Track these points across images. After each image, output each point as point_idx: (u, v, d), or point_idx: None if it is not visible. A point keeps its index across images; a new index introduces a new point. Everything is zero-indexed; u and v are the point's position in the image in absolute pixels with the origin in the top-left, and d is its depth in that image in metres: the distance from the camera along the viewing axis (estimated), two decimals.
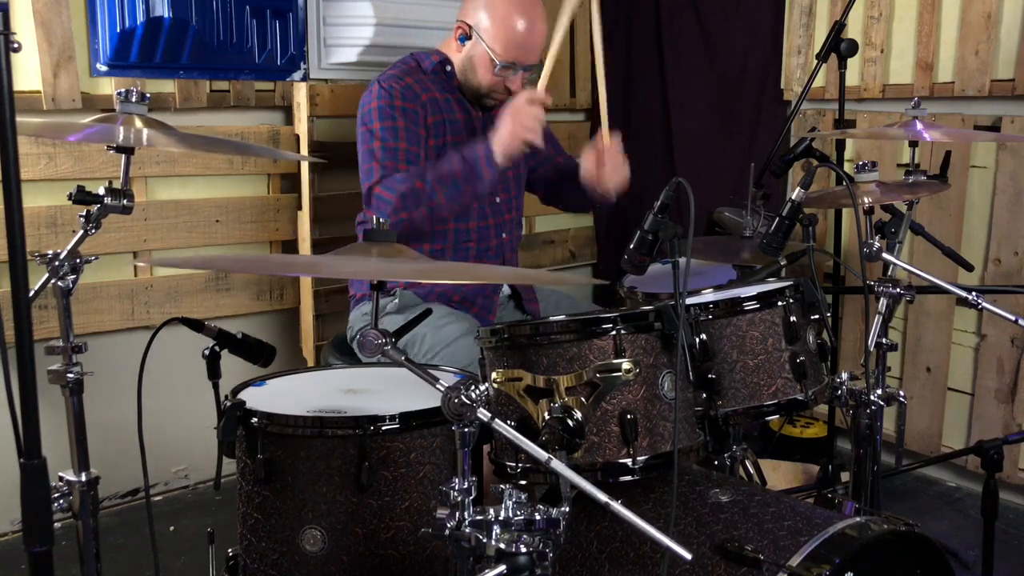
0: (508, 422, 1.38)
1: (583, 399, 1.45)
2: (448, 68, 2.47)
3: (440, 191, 2.23)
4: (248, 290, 3.06)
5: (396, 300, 2.38)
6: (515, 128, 2.19)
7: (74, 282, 1.53)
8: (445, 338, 2.22)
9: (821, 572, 1.33)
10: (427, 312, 1.63)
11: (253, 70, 2.93)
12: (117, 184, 1.57)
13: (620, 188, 2.42)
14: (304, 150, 2.98)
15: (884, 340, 1.87)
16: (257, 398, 1.63)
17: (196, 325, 1.65)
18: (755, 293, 1.67)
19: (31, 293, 1.28)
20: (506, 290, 2.58)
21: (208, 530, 1.72)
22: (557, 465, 1.20)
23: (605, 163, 2.38)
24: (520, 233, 2.65)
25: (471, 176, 2.22)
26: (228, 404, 1.56)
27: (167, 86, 2.80)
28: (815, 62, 2.74)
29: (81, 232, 1.55)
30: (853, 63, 3.01)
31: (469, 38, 2.40)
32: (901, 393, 1.86)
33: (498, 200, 2.52)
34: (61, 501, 1.54)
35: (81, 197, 1.53)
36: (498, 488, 1.21)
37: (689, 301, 1.65)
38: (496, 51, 2.35)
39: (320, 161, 2.69)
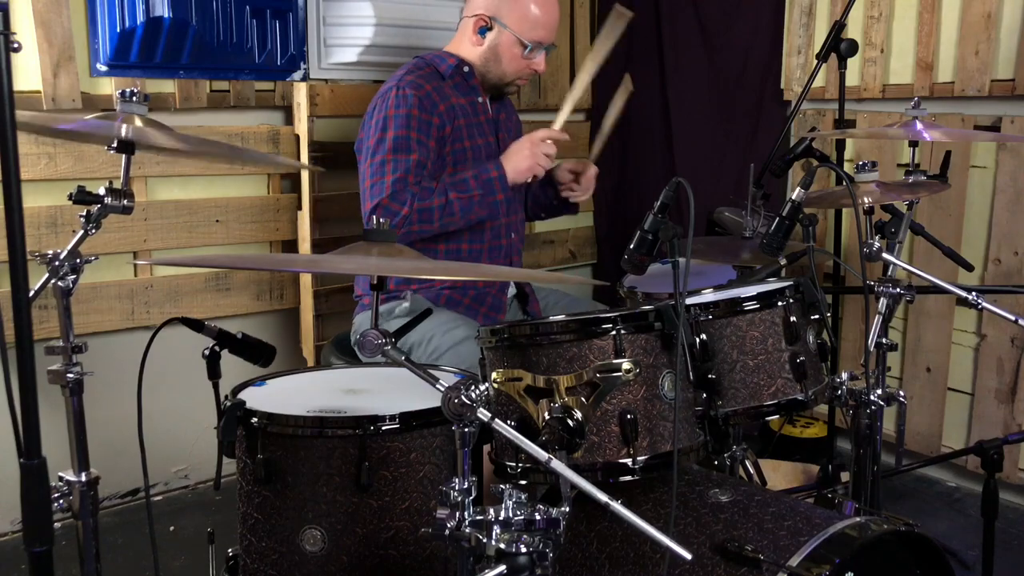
0: (508, 422, 1.38)
1: (583, 399, 1.45)
2: (466, 69, 2.48)
3: (457, 210, 2.30)
4: (248, 290, 3.06)
5: (407, 304, 2.37)
6: (532, 162, 2.37)
7: (74, 282, 1.53)
8: (452, 340, 2.23)
9: (821, 572, 1.33)
10: (427, 312, 1.63)
11: (253, 70, 2.93)
12: (117, 184, 1.57)
13: (578, 204, 2.70)
14: (304, 150, 2.98)
15: (884, 340, 1.87)
16: (257, 398, 1.63)
17: (196, 325, 1.64)
18: (755, 293, 1.67)
19: (31, 293, 1.28)
20: (512, 290, 2.58)
21: (208, 530, 1.72)
22: (557, 465, 1.20)
23: (582, 184, 2.62)
24: (524, 234, 2.66)
25: (486, 198, 2.33)
26: (228, 404, 1.56)
27: (167, 86, 2.80)
28: (815, 62, 2.74)
29: (81, 232, 1.55)
30: (853, 63, 3.01)
31: (490, 29, 2.44)
32: (901, 393, 1.86)
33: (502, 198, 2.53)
34: (61, 501, 1.54)
35: (81, 197, 1.53)
36: (498, 488, 1.21)
37: (689, 301, 1.65)
38: (523, 34, 2.41)
39: (318, 170, 2.69)
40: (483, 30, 2.44)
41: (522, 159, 2.36)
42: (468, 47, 2.49)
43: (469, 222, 2.35)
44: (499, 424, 1.23)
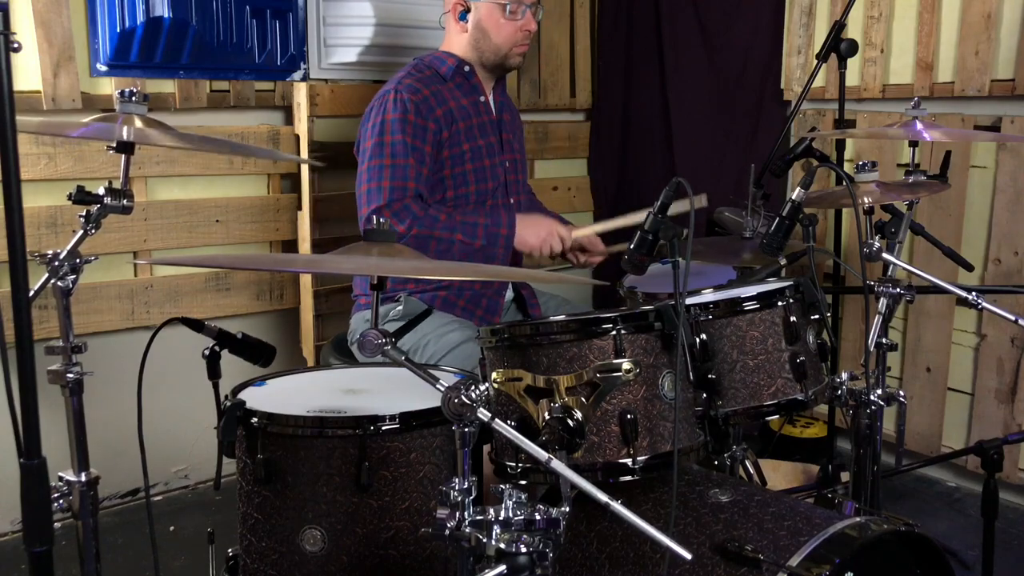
0: (508, 422, 1.38)
1: (583, 399, 1.45)
2: (466, 68, 2.48)
3: (456, 252, 2.29)
4: (248, 290, 3.06)
5: (401, 307, 2.37)
6: (539, 246, 2.36)
7: (74, 282, 1.53)
8: (447, 344, 2.22)
9: (821, 572, 1.33)
10: (427, 312, 1.63)
11: (253, 70, 2.93)
12: (117, 184, 1.57)
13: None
14: (304, 150, 2.98)
15: (884, 340, 1.87)
16: (257, 398, 1.63)
17: (196, 325, 1.65)
18: (755, 293, 1.67)
19: (31, 293, 1.28)
20: (509, 294, 2.58)
21: (208, 530, 1.72)
22: (557, 465, 1.20)
23: (580, 259, 2.56)
24: None
25: (487, 249, 2.32)
26: (228, 404, 1.56)
27: (167, 86, 2.80)
28: (815, 62, 2.74)
29: (81, 232, 1.55)
30: (853, 63, 3.01)
31: (468, 10, 2.44)
32: (901, 393, 1.86)
33: (512, 201, 2.55)
34: (61, 501, 1.54)
35: (81, 197, 1.53)
36: (498, 488, 1.21)
37: (689, 301, 1.65)
38: None
39: (318, 164, 2.68)
40: (463, 15, 2.45)
41: (535, 236, 2.35)
42: (457, 40, 2.49)
43: (463, 262, 2.34)
44: (499, 424, 1.23)
